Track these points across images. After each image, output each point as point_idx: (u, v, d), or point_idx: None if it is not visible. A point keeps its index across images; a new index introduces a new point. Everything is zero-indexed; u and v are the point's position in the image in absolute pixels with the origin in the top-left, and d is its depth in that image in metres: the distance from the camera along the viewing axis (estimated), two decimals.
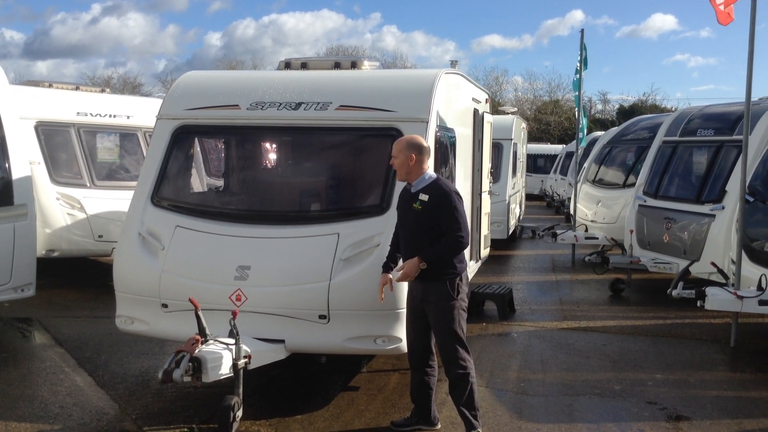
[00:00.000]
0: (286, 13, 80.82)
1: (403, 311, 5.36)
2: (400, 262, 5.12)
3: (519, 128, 16.57)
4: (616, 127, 16.09)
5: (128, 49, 72.87)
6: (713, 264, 7.93)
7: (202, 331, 4.97)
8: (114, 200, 9.93)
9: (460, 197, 4.92)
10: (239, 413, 5.08)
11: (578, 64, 13.24)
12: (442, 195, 4.81)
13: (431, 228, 4.81)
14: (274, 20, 77.35)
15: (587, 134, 14.38)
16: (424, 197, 4.82)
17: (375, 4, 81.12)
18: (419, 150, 4.92)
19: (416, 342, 5.09)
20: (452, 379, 4.94)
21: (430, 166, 5.03)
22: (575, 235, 12.55)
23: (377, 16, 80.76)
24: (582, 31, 13.03)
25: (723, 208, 8.83)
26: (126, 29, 72.95)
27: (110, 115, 10.89)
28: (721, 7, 7.30)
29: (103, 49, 73.66)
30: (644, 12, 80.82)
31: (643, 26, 77.14)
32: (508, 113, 18.23)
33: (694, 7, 75.67)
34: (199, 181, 8.44)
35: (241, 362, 4.99)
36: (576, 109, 13.54)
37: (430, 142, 5.91)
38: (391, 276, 5.06)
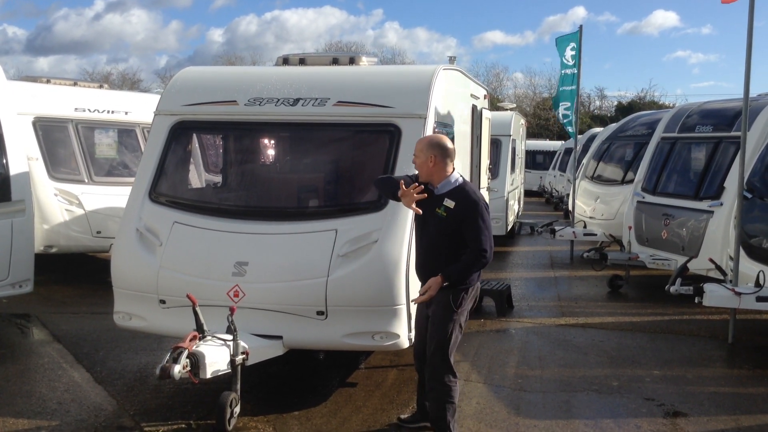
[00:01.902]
0: (289, 10, 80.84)
1: (401, 307, 5.37)
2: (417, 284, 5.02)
3: (518, 124, 16.56)
4: (615, 124, 16.08)
5: (130, 45, 73.06)
6: (711, 260, 7.92)
7: (199, 328, 4.98)
8: (112, 196, 9.91)
9: (488, 207, 4.71)
10: (237, 409, 5.09)
11: (577, 60, 13.18)
12: (471, 205, 4.57)
13: (453, 237, 4.61)
14: (277, 16, 77.53)
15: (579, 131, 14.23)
16: (449, 203, 4.59)
17: (377, 0, 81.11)
18: (442, 151, 4.67)
19: (420, 345, 5.02)
20: (428, 390, 4.83)
21: (455, 168, 4.80)
22: (574, 232, 12.55)
23: (379, 12, 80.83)
24: (580, 27, 13.01)
25: (721, 204, 8.83)
26: (129, 25, 73.17)
27: (108, 111, 10.87)
28: None
29: (105, 45, 73.93)
30: (646, 8, 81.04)
31: (644, 23, 77.23)
32: (506, 109, 18.22)
33: (695, 3, 75.67)
34: (197, 177, 8.43)
35: (239, 358, 4.99)
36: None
37: None
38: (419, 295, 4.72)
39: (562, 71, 13.64)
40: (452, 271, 4.57)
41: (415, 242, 5.02)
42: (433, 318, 4.74)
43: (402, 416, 5.34)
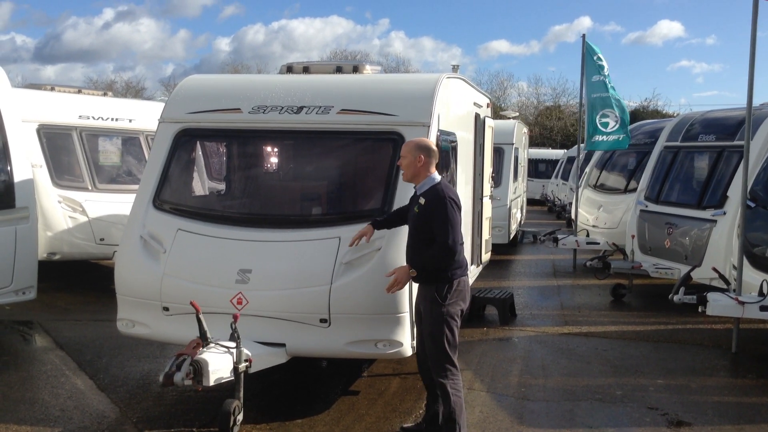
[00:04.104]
0: (296, 19, 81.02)
1: (404, 315, 5.37)
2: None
3: (520, 133, 16.59)
4: None
5: (137, 54, 73.42)
6: (715, 269, 7.92)
7: (203, 335, 4.98)
8: (116, 203, 9.93)
9: (457, 204, 4.79)
10: (240, 417, 5.08)
11: (595, 68, 12.87)
12: (437, 200, 4.73)
13: (425, 232, 4.76)
14: (284, 26, 77.70)
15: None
16: (422, 200, 4.79)
17: (384, 10, 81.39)
18: (428, 152, 4.88)
19: (421, 346, 5.06)
20: (437, 388, 4.86)
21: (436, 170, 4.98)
22: (576, 240, 12.53)
23: (385, 22, 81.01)
24: (584, 36, 12.99)
25: (724, 213, 8.82)
26: (137, 34, 73.61)
27: (112, 119, 10.90)
28: None
29: (113, 53, 74.27)
30: (651, 18, 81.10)
31: (649, 32, 77.35)
32: (509, 118, 18.25)
33: (701, 14, 75.84)
34: (201, 185, 8.44)
35: (242, 366, 4.99)
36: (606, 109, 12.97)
37: None
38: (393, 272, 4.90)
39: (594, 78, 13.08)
40: (417, 261, 4.76)
41: None
42: (424, 315, 4.84)
43: (405, 425, 5.33)
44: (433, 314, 4.76)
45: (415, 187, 4.97)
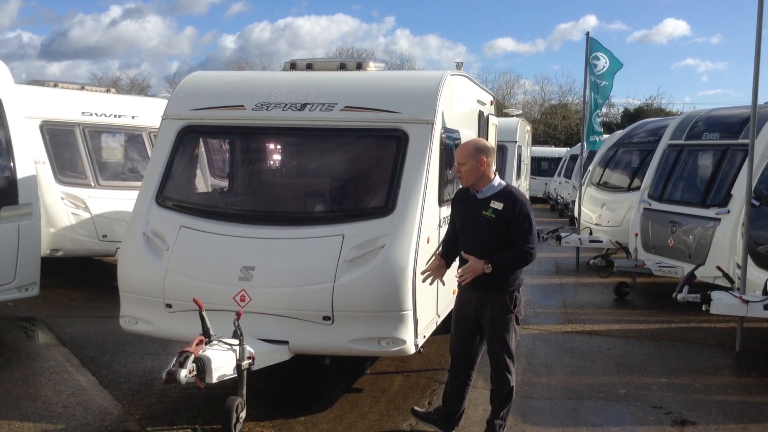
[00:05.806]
0: (302, 17, 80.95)
1: (408, 313, 5.36)
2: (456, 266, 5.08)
3: (523, 131, 16.59)
4: (621, 130, 16.04)
5: (143, 51, 73.49)
6: (719, 268, 7.90)
7: (206, 332, 4.97)
8: (118, 200, 9.92)
9: (532, 207, 4.84)
10: (243, 414, 5.08)
11: (596, 67, 12.77)
12: (519, 204, 4.69)
13: (501, 237, 4.71)
14: (290, 23, 77.60)
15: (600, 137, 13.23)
16: (497, 205, 4.70)
17: (390, 8, 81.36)
18: (488, 152, 4.79)
19: (460, 350, 5.08)
20: (496, 389, 4.95)
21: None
22: (579, 238, 12.51)
23: (391, 19, 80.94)
24: (587, 33, 12.96)
25: (728, 212, 8.80)
26: (143, 31, 73.76)
27: (115, 115, 10.90)
28: None
29: (119, 50, 74.38)
30: (657, 17, 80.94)
31: (654, 31, 77.23)
32: (512, 116, 18.25)
33: (706, 12, 75.72)
34: (204, 182, 8.43)
35: (245, 363, 4.98)
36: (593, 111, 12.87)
37: (434, 144, 5.90)
38: (456, 274, 4.82)
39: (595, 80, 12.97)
40: (498, 260, 4.66)
41: (461, 246, 4.99)
42: (492, 322, 4.86)
43: (416, 408, 5.43)
44: (503, 321, 4.84)
45: (474, 191, 4.85)
